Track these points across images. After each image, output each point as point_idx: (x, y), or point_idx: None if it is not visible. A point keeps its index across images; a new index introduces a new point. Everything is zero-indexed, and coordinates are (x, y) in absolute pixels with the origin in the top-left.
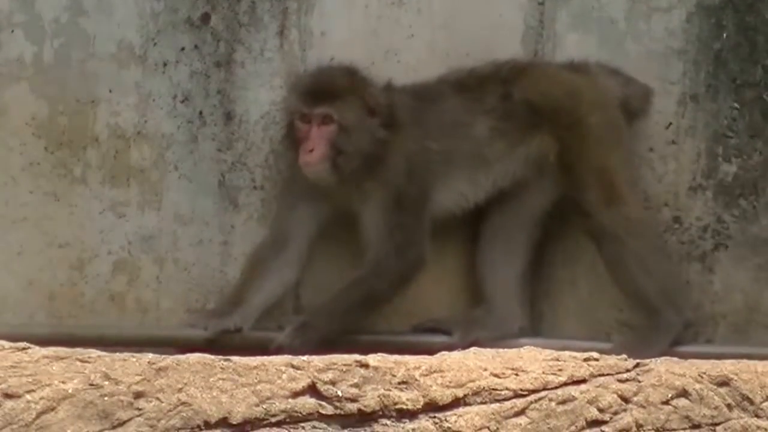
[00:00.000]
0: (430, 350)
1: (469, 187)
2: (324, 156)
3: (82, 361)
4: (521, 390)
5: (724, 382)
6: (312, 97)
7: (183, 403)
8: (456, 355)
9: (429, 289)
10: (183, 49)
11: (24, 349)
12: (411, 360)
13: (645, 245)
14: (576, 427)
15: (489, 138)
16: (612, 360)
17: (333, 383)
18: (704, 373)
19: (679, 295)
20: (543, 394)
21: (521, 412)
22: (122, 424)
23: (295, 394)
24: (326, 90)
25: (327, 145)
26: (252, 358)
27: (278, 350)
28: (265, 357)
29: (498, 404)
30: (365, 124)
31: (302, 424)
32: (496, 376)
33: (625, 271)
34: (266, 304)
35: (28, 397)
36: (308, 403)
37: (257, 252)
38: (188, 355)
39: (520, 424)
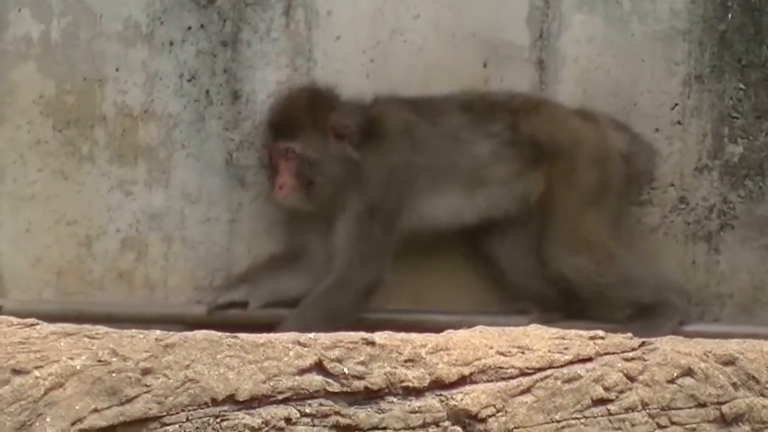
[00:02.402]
0: (437, 329)
1: (463, 203)
2: (293, 188)
3: (90, 337)
4: (527, 368)
5: (729, 361)
6: (274, 132)
7: (190, 380)
8: (462, 333)
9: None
10: (189, 28)
11: (32, 325)
12: (417, 338)
13: (615, 274)
14: (582, 405)
15: (489, 159)
16: (618, 339)
17: (339, 361)
18: (710, 352)
19: (663, 281)
20: (549, 372)
21: (527, 390)
22: (130, 400)
23: (302, 372)
24: (287, 124)
25: (295, 178)
26: (259, 335)
27: None
28: (272, 334)
29: (504, 382)
30: (331, 151)
31: (309, 401)
32: (502, 354)
33: (606, 303)
34: (275, 296)
35: (36, 373)
36: (315, 380)
37: (278, 253)
38: (195, 332)
39: (526, 402)
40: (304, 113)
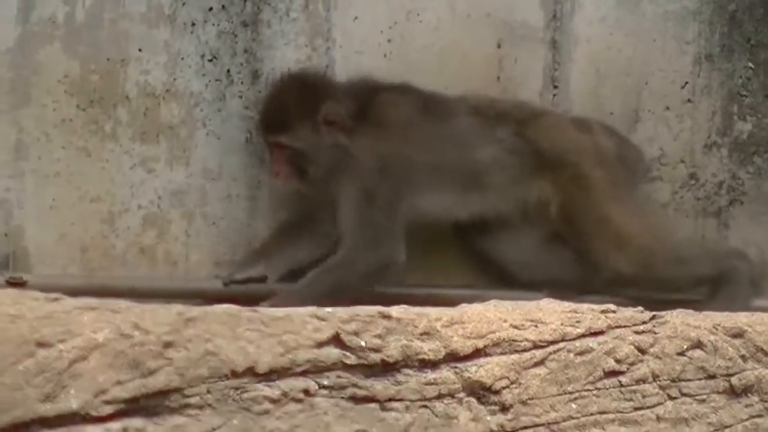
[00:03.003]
0: (451, 303)
1: (457, 204)
2: (288, 175)
3: (112, 311)
4: (540, 341)
5: (738, 334)
6: (265, 126)
7: (211, 353)
8: (476, 307)
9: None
10: (211, 9)
11: (56, 299)
12: (433, 312)
13: (666, 256)
14: (594, 377)
15: (490, 165)
16: (629, 312)
17: (356, 334)
18: (719, 325)
19: (718, 250)
20: (561, 345)
21: (540, 363)
22: (152, 372)
23: (320, 345)
24: (276, 116)
25: (288, 166)
26: (277, 309)
27: None
28: (290, 308)
29: (518, 355)
30: (323, 139)
31: (326, 374)
32: (515, 327)
33: (670, 286)
34: (290, 266)
35: (60, 346)
36: (332, 353)
37: (284, 223)
38: (216, 306)
39: (539, 375)
40: (293, 104)
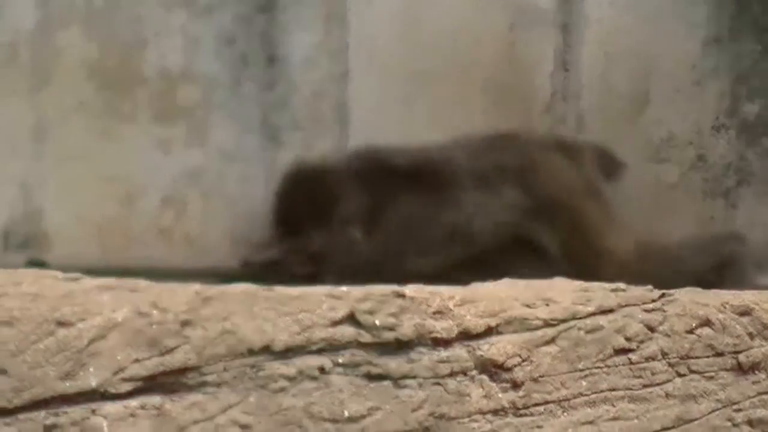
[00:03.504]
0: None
1: (449, 264)
2: (307, 275)
3: (131, 290)
4: (551, 319)
5: (746, 312)
6: (280, 227)
7: (228, 332)
8: (489, 286)
9: None
10: None
11: (76, 279)
12: (445, 291)
13: (668, 262)
14: (604, 355)
15: (488, 227)
16: (638, 291)
17: (371, 313)
18: (727, 303)
19: (716, 239)
20: (572, 323)
21: (551, 341)
22: (170, 351)
23: (335, 323)
24: (291, 220)
25: (305, 267)
26: (293, 288)
27: None
28: (306, 287)
29: (529, 333)
30: (338, 239)
31: (342, 352)
32: (527, 306)
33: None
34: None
35: (79, 325)
36: (347, 331)
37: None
38: (233, 285)
39: (551, 353)
40: (306, 207)
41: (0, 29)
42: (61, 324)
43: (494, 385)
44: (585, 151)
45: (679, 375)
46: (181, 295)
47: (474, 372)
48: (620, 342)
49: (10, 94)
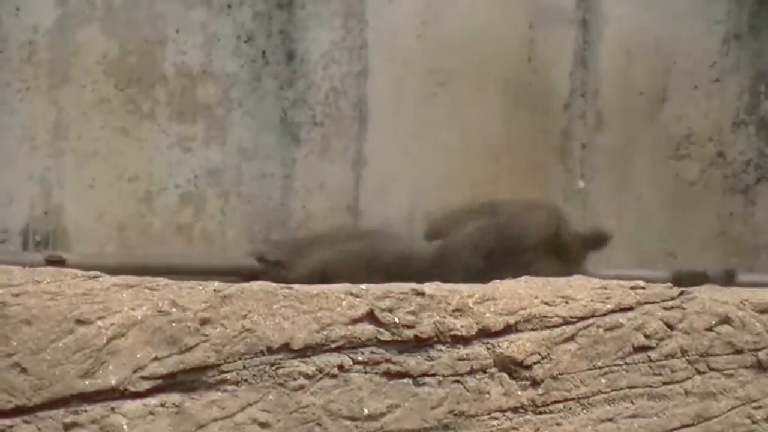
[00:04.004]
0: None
1: None
2: None
3: (150, 288)
4: (571, 317)
5: (765, 309)
6: None
7: (247, 330)
8: (508, 283)
9: None
10: None
11: (95, 277)
12: (465, 288)
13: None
14: (623, 352)
15: None
16: (658, 288)
17: (390, 310)
18: (746, 301)
19: None
20: (591, 321)
21: (571, 338)
22: (189, 349)
23: (354, 321)
24: None
25: None
26: (312, 286)
27: None
28: (325, 285)
29: (548, 331)
30: None
31: (361, 350)
32: (546, 303)
33: None
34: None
35: (99, 323)
36: (367, 329)
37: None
38: (252, 283)
39: (570, 350)
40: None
41: (19, 27)
42: (80, 322)
43: (514, 382)
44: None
45: (699, 372)
46: (200, 293)
47: (493, 369)
48: (639, 339)
49: (30, 91)
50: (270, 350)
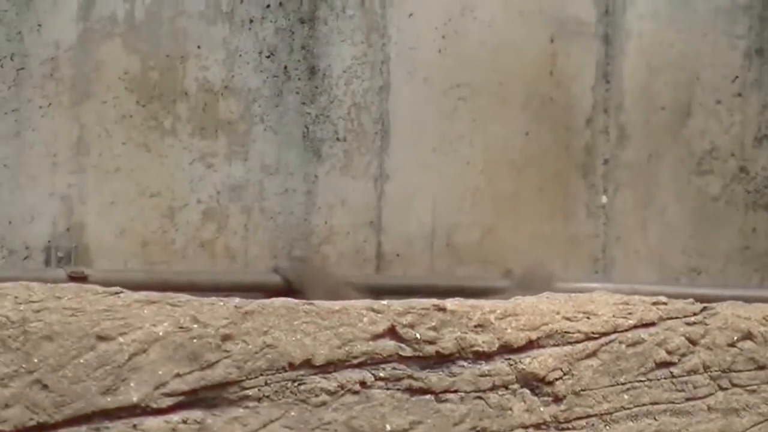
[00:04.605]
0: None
1: None
2: None
3: (172, 305)
4: (592, 333)
5: None
6: None
7: (268, 346)
8: (529, 299)
9: (505, 235)
10: (268, 6)
11: (116, 293)
12: (486, 304)
13: None
14: (645, 368)
15: None
16: (680, 304)
17: (412, 326)
18: None
19: None
20: (613, 336)
21: (593, 354)
22: (211, 365)
23: (376, 337)
24: None
25: None
26: (334, 302)
27: None
28: (346, 301)
29: (570, 346)
30: None
31: (382, 366)
32: (568, 319)
33: None
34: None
35: (120, 339)
36: (388, 345)
37: None
38: (273, 299)
39: (592, 366)
40: None
41: (41, 43)
42: (101, 338)
43: (536, 398)
44: None
45: (721, 388)
46: (221, 309)
47: (516, 385)
48: (662, 355)
49: (52, 108)
50: (292, 366)
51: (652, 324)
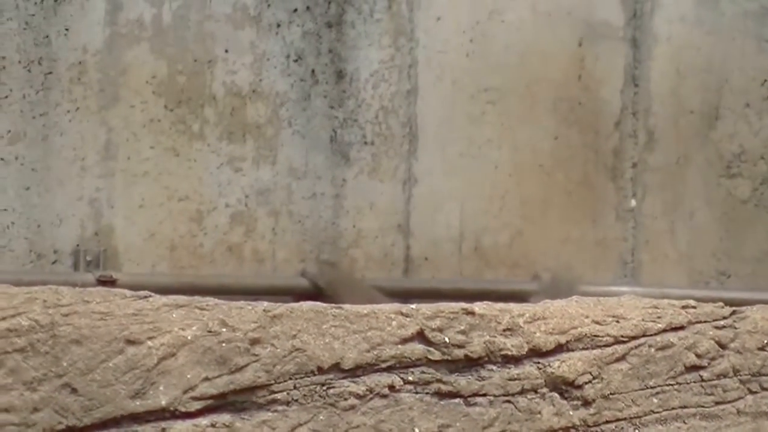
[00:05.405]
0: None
1: None
2: None
3: (200, 308)
4: (622, 336)
5: None
6: None
7: (297, 349)
8: (558, 303)
9: (534, 239)
10: (295, 10)
11: (145, 297)
12: (515, 308)
13: None
14: (675, 372)
15: None
16: (709, 307)
17: (440, 330)
18: None
19: None
20: (643, 340)
21: (622, 358)
22: (239, 369)
23: (404, 341)
24: None
25: None
26: (362, 306)
27: None
28: (375, 305)
29: (599, 350)
30: None
31: (411, 369)
32: (597, 323)
33: None
34: None
35: (149, 343)
36: (417, 349)
37: None
38: (302, 303)
39: (621, 370)
40: None
41: (69, 47)
42: (130, 342)
43: (565, 402)
44: None
45: (751, 392)
46: (250, 313)
47: (544, 389)
48: (691, 359)
49: (80, 112)
50: (320, 370)
51: (682, 328)
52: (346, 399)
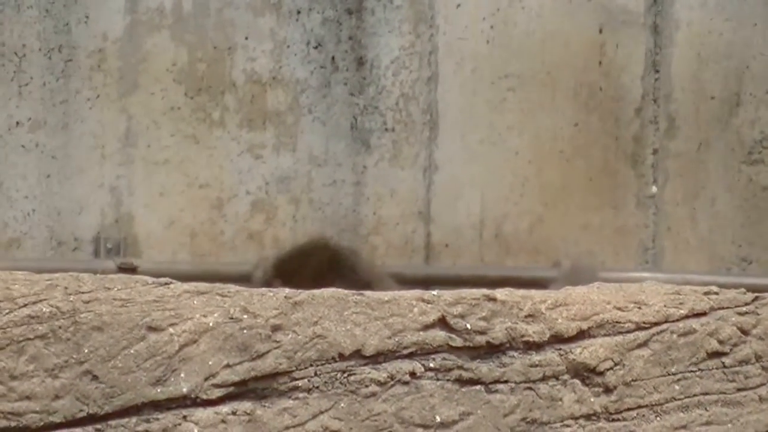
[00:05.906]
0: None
1: None
2: None
3: (221, 295)
4: (644, 323)
5: None
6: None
7: (318, 336)
8: (580, 289)
9: (554, 226)
10: None
11: (166, 284)
12: (537, 294)
13: None
14: (697, 358)
15: None
16: (731, 294)
17: (462, 317)
18: None
19: None
20: (665, 326)
21: (644, 344)
22: (261, 356)
23: (426, 327)
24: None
25: None
26: (384, 292)
27: None
28: (396, 292)
29: (621, 336)
30: None
31: (433, 356)
32: (619, 309)
33: None
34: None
35: (170, 330)
36: (438, 335)
37: None
38: (323, 289)
39: (643, 356)
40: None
41: (89, 35)
42: (151, 329)
43: (586, 389)
44: None
45: None
46: (271, 299)
47: (566, 376)
48: (713, 345)
49: (100, 99)
50: (341, 357)
51: (704, 314)
52: (367, 386)
